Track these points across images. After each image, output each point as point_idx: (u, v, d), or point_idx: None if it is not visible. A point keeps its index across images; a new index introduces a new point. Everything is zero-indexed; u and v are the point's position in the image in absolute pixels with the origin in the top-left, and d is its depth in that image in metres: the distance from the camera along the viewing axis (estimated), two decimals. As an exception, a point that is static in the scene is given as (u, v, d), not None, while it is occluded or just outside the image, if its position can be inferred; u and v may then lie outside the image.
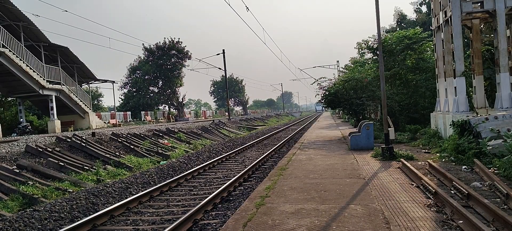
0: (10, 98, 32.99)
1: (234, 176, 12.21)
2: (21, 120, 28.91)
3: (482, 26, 18.08)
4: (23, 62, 24.84)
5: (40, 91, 26.98)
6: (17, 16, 25.34)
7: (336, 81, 26.70)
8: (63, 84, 29.74)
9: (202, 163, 15.93)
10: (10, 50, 23.65)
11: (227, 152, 19.79)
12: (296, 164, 12.15)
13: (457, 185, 7.61)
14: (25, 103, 32.36)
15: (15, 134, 25.94)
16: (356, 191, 7.95)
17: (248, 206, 7.26)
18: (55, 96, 28.60)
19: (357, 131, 16.54)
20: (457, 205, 6.05)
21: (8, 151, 14.14)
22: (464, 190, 7.11)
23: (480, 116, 12.48)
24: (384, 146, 12.48)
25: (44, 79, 27.11)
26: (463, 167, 10.10)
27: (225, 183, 10.85)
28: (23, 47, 25.36)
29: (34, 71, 25.97)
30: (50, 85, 27.92)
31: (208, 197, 9.16)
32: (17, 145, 15.42)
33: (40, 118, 34.28)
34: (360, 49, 30.58)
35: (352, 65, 39.45)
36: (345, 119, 44.10)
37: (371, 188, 8.15)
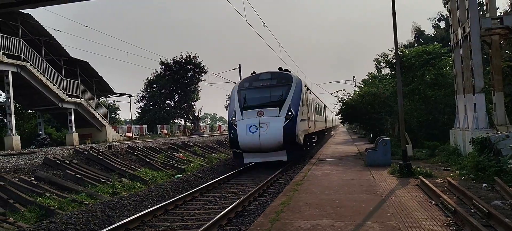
0: (30, 111, 33.76)
1: (249, 191, 12.12)
2: (40, 132, 29.52)
3: (502, 42, 17.79)
4: (44, 76, 25.46)
5: (60, 105, 27.54)
6: (39, 31, 26.07)
7: (352, 96, 26.63)
8: (81, 98, 30.32)
9: (217, 177, 15.90)
10: (31, 64, 24.30)
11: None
12: (312, 180, 12.02)
13: (477, 203, 7.40)
14: (45, 116, 33.03)
15: (34, 146, 26.44)
16: (373, 208, 7.81)
17: (262, 222, 7.19)
18: (73, 109, 29.16)
19: (373, 146, 16.31)
20: (478, 224, 5.88)
21: (27, 163, 14.39)
22: (484, 209, 6.91)
23: (501, 133, 12.20)
24: (401, 163, 12.27)
25: (63, 92, 27.69)
26: (483, 185, 9.85)
27: (240, 198, 10.78)
28: (44, 61, 26.03)
29: (54, 84, 26.57)
30: (69, 99, 28.48)
31: (222, 211, 9.12)
32: (36, 157, 15.68)
33: (58, 130, 34.93)
34: (377, 64, 30.38)
35: (370, 80, 39.19)
36: (362, 134, 43.65)
37: (388, 205, 7.99)
